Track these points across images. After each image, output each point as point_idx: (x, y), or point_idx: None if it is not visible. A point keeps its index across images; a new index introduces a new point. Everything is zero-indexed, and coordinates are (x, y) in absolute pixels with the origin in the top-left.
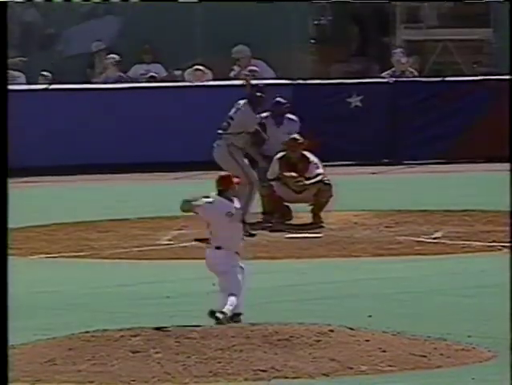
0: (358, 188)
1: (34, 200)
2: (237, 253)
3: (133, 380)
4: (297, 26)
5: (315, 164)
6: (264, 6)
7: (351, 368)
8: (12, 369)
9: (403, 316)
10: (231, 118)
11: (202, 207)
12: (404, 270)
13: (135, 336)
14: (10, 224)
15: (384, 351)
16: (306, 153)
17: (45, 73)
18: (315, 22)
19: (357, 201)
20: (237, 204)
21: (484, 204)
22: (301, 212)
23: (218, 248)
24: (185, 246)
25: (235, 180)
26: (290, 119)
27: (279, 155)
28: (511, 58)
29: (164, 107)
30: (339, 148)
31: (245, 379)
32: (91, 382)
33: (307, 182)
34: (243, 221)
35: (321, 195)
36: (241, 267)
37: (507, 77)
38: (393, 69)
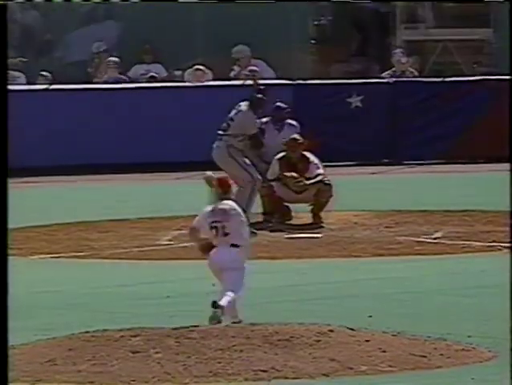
0: (358, 188)
1: (34, 200)
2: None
3: (133, 380)
4: (297, 26)
5: (315, 164)
6: (264, 6)
7: (351, 368)
8: (12, 369)
9: (403, 316)
10: (231, 119)
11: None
12: (404, 270)
13: (135, 336)
14: (10, 224)
15: (384, 351)
16: (306, 153)
17: (44, 73)
18: (315, 22)
19: (357, 201)
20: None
21: (484, 204)
22: (301, 212)
23: (234, 245)
24: (185, 246)
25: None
26: (290, 124)
27: (279, 155)
28: (511, 58)
29: (164, 107)
30: (339, 148)
31: (246, 379)
32: (91, 382)
33: (307, 182)
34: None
35: (321, 195)
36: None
37: (507, 77)
38: (393, 69)
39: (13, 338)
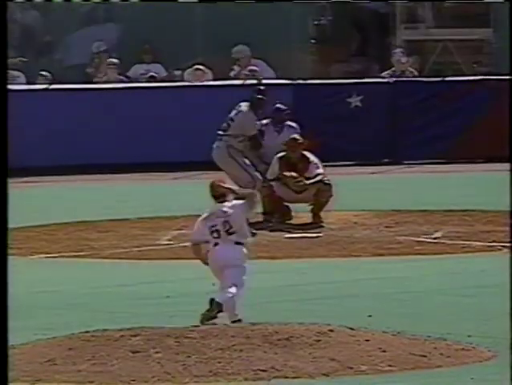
0: (358, 188)
1: (34, 200)
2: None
3: (133, 380)
4: (297, 26)
5: (315, 163)
6: (264, 6)
7: (351, 368)
8: (12, 369)
9: (403, 316)
10: (232, 119)
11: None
12: (404, 270)
13: (135, 336)
14: (10, 224)
15: (384, 351)
16: (306, 153)
17: (44, 73)
18: (315, 22)
19: (357, 201)
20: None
21: (484, 204)
22: (301, 212)
23: (239, 243)
24: (185, 246)
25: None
26: (289, 126)
27: (279, 155)
28: (511, 58)
29: (164, 107)
30: (339, 148)
31: (245, 379)
32: (91, 382)
33: (307, 182)
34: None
35: (321, 195)
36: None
37: (507, 77)
38: (393, 69)
39: (13, 338)
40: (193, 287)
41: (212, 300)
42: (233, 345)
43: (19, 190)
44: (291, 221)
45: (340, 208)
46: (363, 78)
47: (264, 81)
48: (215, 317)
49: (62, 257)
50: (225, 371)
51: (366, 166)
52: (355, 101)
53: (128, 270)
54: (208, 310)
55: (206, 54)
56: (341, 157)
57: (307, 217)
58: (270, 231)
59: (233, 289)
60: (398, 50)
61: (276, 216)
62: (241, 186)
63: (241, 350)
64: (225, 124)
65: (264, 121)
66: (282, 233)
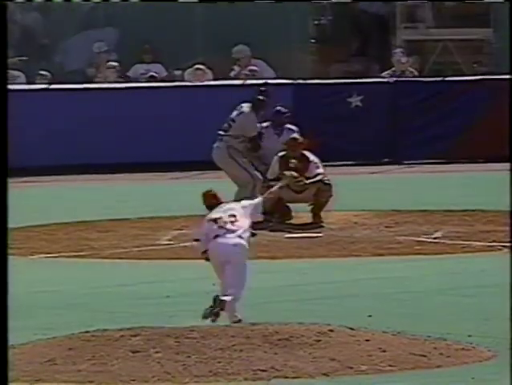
0: (358, 188)
1: (34, 200)
2: None
3: (133, 380)
4: (297, 26)
5: (315, 163)
6: (264, 6)
7: (351, 368)
8: (12, 369)
9: (403, 316)
10: (233, 120)
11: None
12: (404, 270)
13: (135, 336)
14: (10, 224)
15: (384, 351)
16: (306, 153)
17: (43, 72)
18: (315, 22)
19: (357, 201)
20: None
21: (484, 204)
22: (301, 212)
23: (240, 237)
24: (185, 246)
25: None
26: (289, 129)
27: (279, 154)
28: (511, 58)
29: (164, 107)
30: (339, 148)
31: (245, 379)
32: (91, 381)
33: (307, 181)
34: None
35: (321, 195)
36: None
37: (507, 77)
38: (393, 69)
39: (13, 338)
40: (193, 287)
41: (216, 297)
42: (233, 345)
43: (19, 190)
44: (291, 221)
45: (340, 208)
46: (363, 78)
47: (262, 81)
48: (217, 314)
49: (62, 257)
50: (225, 371)
51: (366, 166)
52: (356, 101)
53: (127, 270)
54: (211, 307)
55: (206, 54)
56: (341, 157)
57: (307, 217)
58: (271, 231)
59: (232, 291)
60: (398, 50)
61: (276, 216)
62: (240, 186)
63: (241, 350)
64: (225, 125)
65: (264, 124)
66: (283, 233)
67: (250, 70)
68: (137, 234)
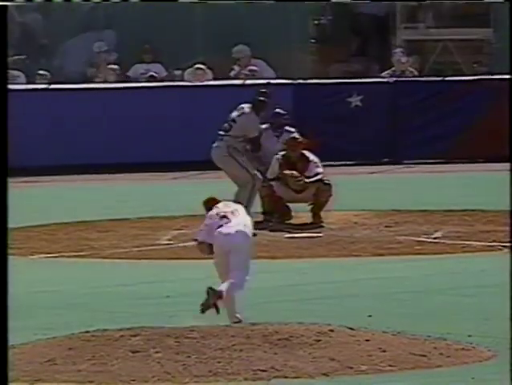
0: (358, 188)
1: (34, 200)
2: None
3: (133, 380)
4: (297, 26)
5: (315, 163)
6: (264, 5)
7: (351, 368)
8: (12, 369)
9: (403, 316)
10: (233, 120)
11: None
12: (404, 270)
13: (135, 336)
14: (10, 224)
15: (384, 351)
16: (306, 152)
17: (43, 72)
18: (315, 22)
19: (357, 201)
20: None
21: (484, 204)
22: (301, 212)
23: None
24: (185, 246)
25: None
26: (288, 131)
27: (279, 154)
28: (511, 58)
29: (164, 107)
30: (339, 148)
31: (245, 379)
32: (91, 381)
33: (307, 180)
34: None
35: (321, 194)
36: None
37: (507, 77)
38: (393, 69)
39: (13, 338)
40: (193, 287)
41: (209, 289)
42: (233, 345)
43: (19, 190)
44: (291, 221)
45: (340, 208)
46: (363, 78)
47: (264, 81)
48: (215, 305)
49: (62, 257)
50: (225, 371)
51: (366, 166)
52: (356, 101)
53: (127, 270)
54: (205, 300)
55: (206, 54)
56: (341, 157)
57: (307, 217)
58: (270, 231)
59: (235, 276)
60: (398, 50)
61: (276, 216)
62: (240, 186)
63: (241, 350)
64: (226, 125)
65: (263, 126)
66: (283, 233)
67: (250, 70)
68: (137, 234)
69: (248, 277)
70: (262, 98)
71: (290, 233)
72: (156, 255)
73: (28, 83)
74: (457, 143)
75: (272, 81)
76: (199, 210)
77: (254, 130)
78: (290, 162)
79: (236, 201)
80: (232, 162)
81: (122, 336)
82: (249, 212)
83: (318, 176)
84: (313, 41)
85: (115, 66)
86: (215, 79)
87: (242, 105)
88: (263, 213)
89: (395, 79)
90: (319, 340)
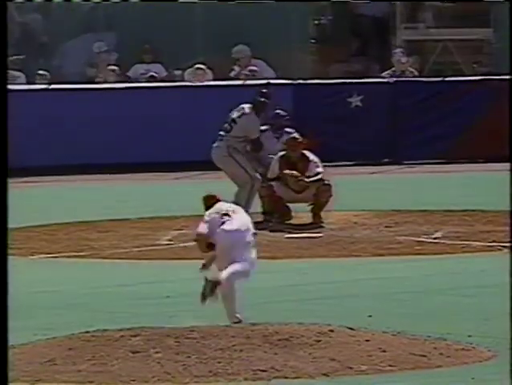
0: (358, 188)
1: (34, 200)
2: None
3: (133, 380)
4: (297, 26)
5: (315, 162)
6: (264, 5)
7: (351, 368)
8: (12, 369)
9: (403, 316)
10: (234, 121)
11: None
12: (404, 270)
13: (135, 336)
14: (10, 224)
15: (384, 351)
16: (306, 152)
17: (42, 72)
18: (315, 22)
19: (357, 201)
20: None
21: (484, 204)
22: (301, 212)
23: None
24: (185, 246)
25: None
26: (288, 132)
27: (279, 154)
28: (511, 58)
29: (164, 107)
30: (339, 148)
31: (245, 379)
32: (91, 382)
33: (307, 180)
34: None
35: (321, 195)
36: None
37: (507, 77)
38: (393, 69)
39: (13, 338)
40: (193, 287)
41: (206, 277)
42: (233, 345)
43: (19, 190)
44: (291, 221)
45: (340, 208)
46: (364, 78)
47: (264, 81)
48: (214, 293)
49: (62, 257)
50: (225, 371)
51: (366, 166)
52: (356, 101)
53: (128, 270)
54: (203, 288)
55: (206, 54)
56: (341, 157)
57: (307, 217)
58: (271, 231)
59: (235, 265)
60: (398, 50)
61: (276, 216)
62: (240, 186)
63: (241, 351)
64: (226, 125)
65: (263, 127)
66: (283, 233)
67: (250, 71)
68: (137, 234)
69: (253, 269)
70: (262, 98)
71: (290, 233)
72: (157, 255)
73: (28, 83)
74: (457, 143)
75: (272, 81)
76: (199, 210)
77: (255, 131)
78: (290, 162)
79: (236, 202)
80: (231, 162)
81: (122, 336)
82: (248, 213)
83: (319, 176)
84: (313, 41)
85: (115, 67)
86: (215, 79)
87: (243, 105)
88: (263, 213)
89: (395, 79)
90: (319, 340)
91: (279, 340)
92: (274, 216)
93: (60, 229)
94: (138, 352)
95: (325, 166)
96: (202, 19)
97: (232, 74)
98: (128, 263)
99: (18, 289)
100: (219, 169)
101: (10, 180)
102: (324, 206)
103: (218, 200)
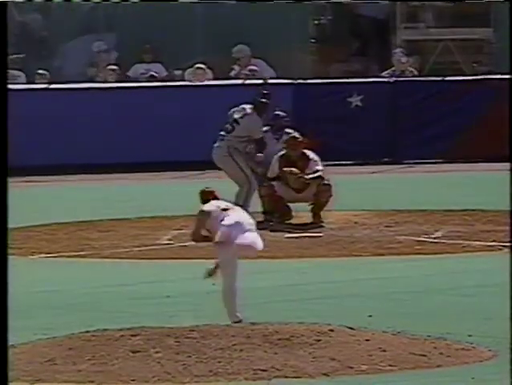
0: (358, 188)
1: (34, 199)
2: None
3: (133, 380)
4: (297, 26)
5: (315, 161)
6: (264, 5)
7: (352, 368)
8: (12, 368)
9: (403, 315)
10: (236, 122)
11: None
12: (405, 270)
13: (135, 336)
14: (10, 224)
15: (384, 351)
16: (306, 151)
17: (42, 71)
18: (315, 22)
19: (357, 201)
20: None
21: (484, 203)
22: (301, 211)
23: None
24: (185, 246)
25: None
26: (287, 133)
27: (279, 153)
28: (511, 57)
29: (164, 107)
30: (339, 148)
31: (246, 379)
32: (91, 381)
33: (307, 177)
34: None
35: (321, 195)
36: None
37: (507, 77)
38: (393, 68)
39: (13, 338)
40: (193, 287)
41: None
42: (234, 345)
43: (19, 190)
44: (291, 221)
45: (340, 208)
46: (363, 78)
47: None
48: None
49: (62, 256)
50: (225, 371)
51: (366, 166)
52: (356, 101)
53: (128, 270)
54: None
55: (206, 53)
56: (341, 157)
57: (307, 217)
58: (271, 231)
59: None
60: (398, 49)
61: (276, 215)
62: (240, 185)
63: (241, 350)
64: (228, 126)
65: (264, 128)
66: (283, 233)
67: (250, 70)
68: (137, 234)
69: (256, 246)
70: (263, 99)
71: (290, 232)
72: (157, 255)
73: (28, 82)
74: (457, 143)
75: (272, 81)
76: (199, 210)
77: (259, 131)
78: (290, 161)
79: (236, 202)
80: (230, 161)
81: (122, 336)
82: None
83: (319, 173)
84: (313, 41)
85: (115, 67)
86: (215, 78)
87: (243, 106)
88: (264, 213)
89: (395, 78)
90: (319, 340)
91: (279, 340)
92: (274, 216)
93: (60, 229)
94: (138, 352)
95: (325, 166)
96: (202, 19)
97: (232, 73)
98: (129, 263)
99: (18, 289)
100: (219, 169)
101: (10, 180)
102: (324, 206)
103: (215, 197)
